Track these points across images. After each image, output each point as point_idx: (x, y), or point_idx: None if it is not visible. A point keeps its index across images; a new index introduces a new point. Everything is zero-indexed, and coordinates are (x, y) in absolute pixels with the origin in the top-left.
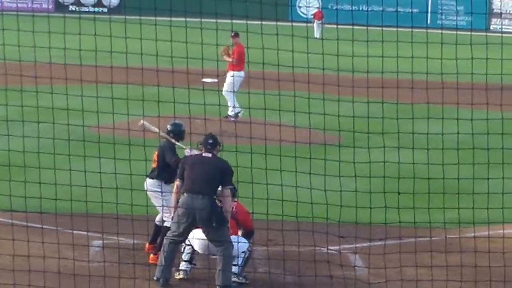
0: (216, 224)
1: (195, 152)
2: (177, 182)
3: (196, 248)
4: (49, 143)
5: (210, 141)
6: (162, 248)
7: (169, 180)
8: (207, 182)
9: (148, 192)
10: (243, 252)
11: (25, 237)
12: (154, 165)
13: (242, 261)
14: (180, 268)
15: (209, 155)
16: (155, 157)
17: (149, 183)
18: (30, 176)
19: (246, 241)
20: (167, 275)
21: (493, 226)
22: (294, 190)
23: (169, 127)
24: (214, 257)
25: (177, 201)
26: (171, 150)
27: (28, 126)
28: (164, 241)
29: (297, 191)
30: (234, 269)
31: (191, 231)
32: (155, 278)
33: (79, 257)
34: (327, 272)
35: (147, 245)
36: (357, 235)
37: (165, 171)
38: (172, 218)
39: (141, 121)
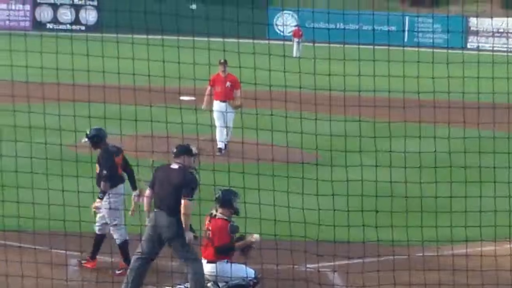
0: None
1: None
2: (147, 190)
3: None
4: (27, 162)
5: (174, 150)
6: (130, 265)
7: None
8: (171, 199)
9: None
10: (243, 278)
11: (3, 256)
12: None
13: (233, 285)
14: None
15: (176, 166)
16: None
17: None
18: (8, 195)
19: (248, 270)
20: None
21: (471, 244)
22: (272, 208)
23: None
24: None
25: (149, 205)
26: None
27: (5, 145)
28: (132, 258)
29: (275, 209)
30: (222, 285)
31: (159, 249)
32: None
33: (57, 276)
34: None
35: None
36: (335, 253)
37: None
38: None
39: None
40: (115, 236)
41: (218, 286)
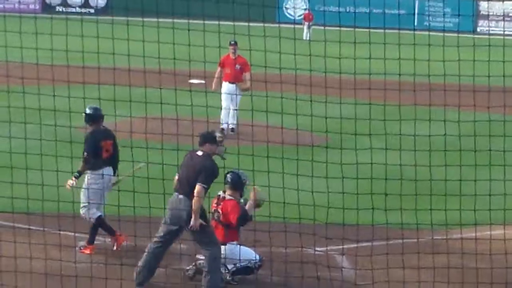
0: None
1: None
2: (176, 174)
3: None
4: (36, 144)
5: (198, 137)
6: (146, 249)
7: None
8: (188, 183)
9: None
10: (250, 261)
11: (11, 238)
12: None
13: (241, 267)
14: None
15: (200, 153)
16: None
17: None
18: (17, 177)
19: (255, 254)
20: (140, 279)
21: (480, 228)
22: (281, 191)
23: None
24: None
25: None
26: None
27: (15, 127)
28: (150, 243)
29: (284, 192)
30: (231, 267)
31: (177, 234)
32: (135, 281)
33: (66, 258)
34: (314, 273)
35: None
36: (344, 236)
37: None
38: None
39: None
40: (87, 216)
41: (227, 267)
